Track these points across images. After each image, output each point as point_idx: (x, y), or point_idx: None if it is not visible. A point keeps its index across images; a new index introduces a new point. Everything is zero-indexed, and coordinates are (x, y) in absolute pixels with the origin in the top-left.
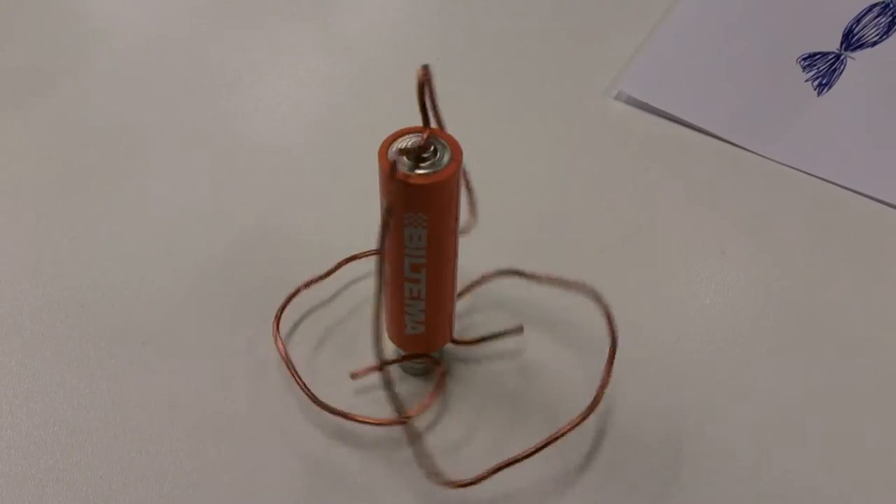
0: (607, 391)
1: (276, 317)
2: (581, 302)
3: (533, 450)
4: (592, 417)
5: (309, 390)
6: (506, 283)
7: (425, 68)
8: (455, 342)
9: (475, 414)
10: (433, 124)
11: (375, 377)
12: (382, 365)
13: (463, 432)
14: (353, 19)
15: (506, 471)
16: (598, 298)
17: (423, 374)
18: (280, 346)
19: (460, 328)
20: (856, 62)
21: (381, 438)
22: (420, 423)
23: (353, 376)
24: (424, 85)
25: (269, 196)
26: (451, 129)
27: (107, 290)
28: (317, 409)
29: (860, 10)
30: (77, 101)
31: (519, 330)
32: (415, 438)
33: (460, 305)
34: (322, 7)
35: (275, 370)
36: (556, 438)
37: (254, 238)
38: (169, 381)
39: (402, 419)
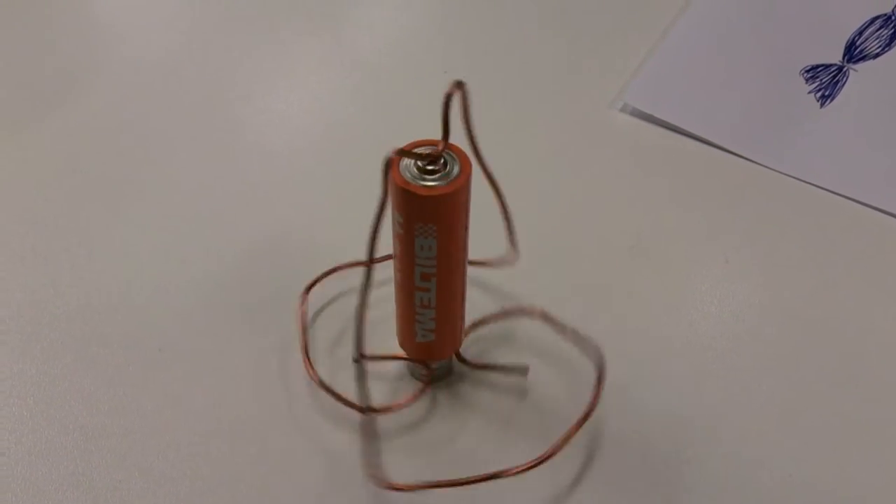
0: (610, 397)
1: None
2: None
3: (525, 467)
4: (598, 423)
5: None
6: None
7: (459, 84)
8: (460, 359)
9: (457, 427)
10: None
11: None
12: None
13: (438, 442)
14: (362, 33)
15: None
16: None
17: (436, 381)
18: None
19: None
20: (858, 74)
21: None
22: (399, 422)
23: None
24: (450, 99)
25: (281, 205)
26: (457, 140)
27: (123, 298)
28: (333, 412)
29: (862, 22)
30: (92, 112)
31: (524, 370)
32: (377, 436)
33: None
34: (333, 21)
35: (289, 375)
36: (548, 457)
37: (266, 246)
38: (185, 387)
39: (366, 409)
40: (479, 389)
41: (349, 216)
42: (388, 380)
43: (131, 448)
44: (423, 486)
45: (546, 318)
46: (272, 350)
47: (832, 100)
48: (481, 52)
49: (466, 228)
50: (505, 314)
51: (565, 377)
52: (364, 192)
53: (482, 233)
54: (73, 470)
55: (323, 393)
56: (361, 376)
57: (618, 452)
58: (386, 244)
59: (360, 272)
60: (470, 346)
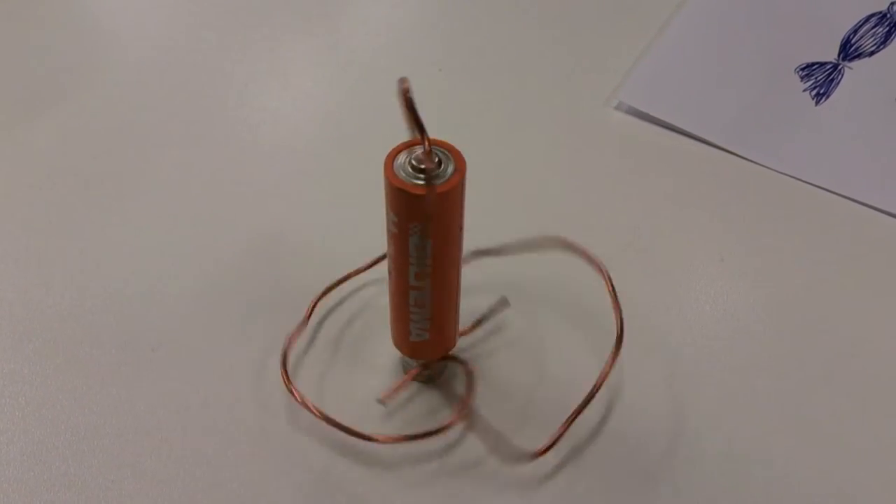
0: (606, 396)
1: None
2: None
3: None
4: (591, 421)
5: (320, 411)
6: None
7: (404, 80)
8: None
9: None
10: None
11: (386, 386)
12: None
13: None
14: (357, 32)
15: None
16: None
17: (430, 380)
18: (285, 378)
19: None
20: (853, 71)
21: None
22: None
23: (382, 401)
24: (408, 97)
25: (275, 204)
26: (452, 139)
27: (116, 298)
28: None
29: (858, 19)
30: (87, 112)
31: (505, 303)
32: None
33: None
34: (328, 20)
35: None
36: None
37: (260, 246)
38: (178, 388)
39: (439, 429)
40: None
41: (345, 214)
42: (384, 373)
43: (124, 448)
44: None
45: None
46: (266, 351)
47: (827, 98)
48: (477, 49)
49: (461, 227)
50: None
51: (563, 367)
52: (360, 190)
53: (479, 234)
54: (65, 470)
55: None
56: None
57: (611, 449)
58: (380, 244)
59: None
60: (464, 349)
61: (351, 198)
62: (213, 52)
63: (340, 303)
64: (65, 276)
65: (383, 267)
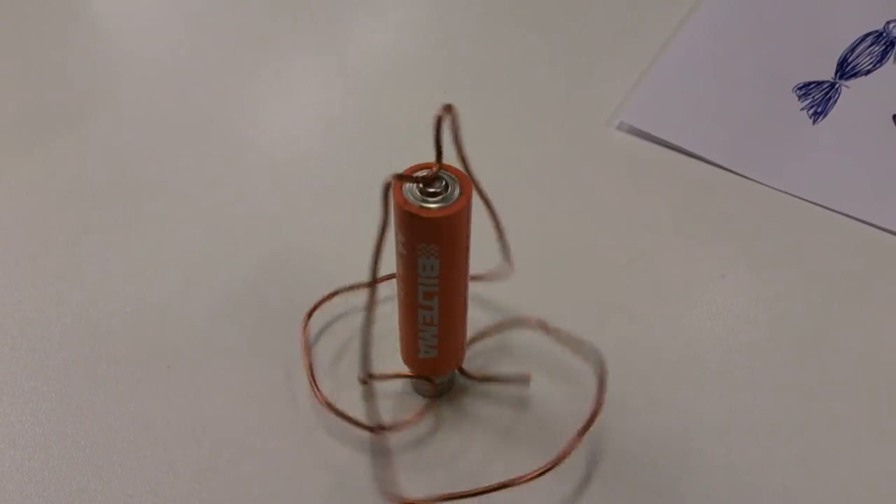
0: (609, 410)
1: (303, 325)
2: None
3: (534, 475)
4: (598, 434)
5: (335, 407)
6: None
7: (448, 107)
8: (462, 373)
9: (463, 441)
10: (449, 160)
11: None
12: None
13: (446, 456)
14: (364, 54)
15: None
16: (600, 364)
17: (439, 395)
18: (306, 357)
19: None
20: (850, 90)
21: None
22: (406, 438)
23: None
24: (441, 122)
25: (286, 223)
26: (455, 160)
27: (132, 317)
28: (340, 428)
29: (854, 39)
30: (101, 134)
31: (524, 380)
32: (386, 452)
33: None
34: (335, 43)
35: (297, 392)
36: (555, 465)
37: (272, 263)
38: (194, 403)
39: (375, 427)
40: (482, 402)
41: (352, 235)
42: (392, 396)
43: (142, 463)
44: (437, 500)
45: (543, 327)
46: (280, 366)
47: (824, 116)
48: (480, 70)
49: (468, 248)
50: (503, 326)
51: (565, 386)
52: (367, 211)
53: (482, 248)
54: (84, 485)
55: (330, 412)
56: (368, 394)
57: (617, 464)
58: (388, 262)
59: (360, 292)
60: (470, 359)
61: (359, 217)
62: (224, 73)
63: (346, 321)
64: (82, 295)
65: (391, 284)
